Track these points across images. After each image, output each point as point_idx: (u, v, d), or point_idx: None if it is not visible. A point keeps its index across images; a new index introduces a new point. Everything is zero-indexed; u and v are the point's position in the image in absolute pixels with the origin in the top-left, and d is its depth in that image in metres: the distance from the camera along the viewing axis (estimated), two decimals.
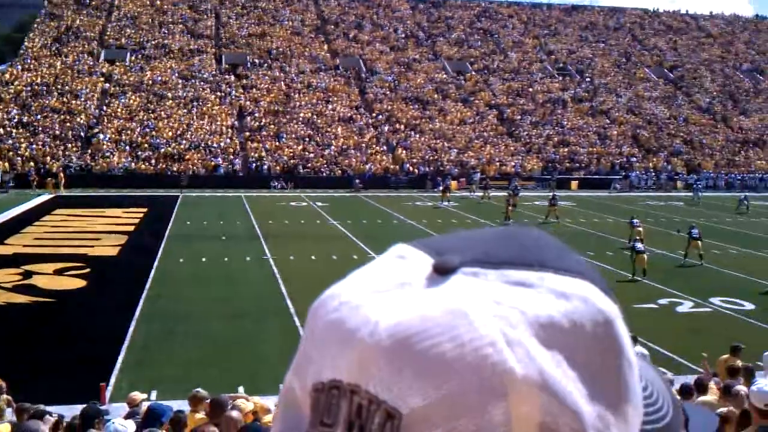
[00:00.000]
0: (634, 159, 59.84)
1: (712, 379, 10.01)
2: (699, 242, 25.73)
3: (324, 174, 52.73)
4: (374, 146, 57.00)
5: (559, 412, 0.50)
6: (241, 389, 11.96)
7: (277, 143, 55.17)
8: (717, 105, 72.63)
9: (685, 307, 19.85)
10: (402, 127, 60.34)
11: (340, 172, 52.94)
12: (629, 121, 66.43)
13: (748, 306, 19.88)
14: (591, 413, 0.51)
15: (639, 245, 23.84)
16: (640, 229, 27.88)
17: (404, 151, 56.46)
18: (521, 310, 0.51)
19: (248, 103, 60.59)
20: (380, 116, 61.75)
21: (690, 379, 10.95)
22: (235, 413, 7.38)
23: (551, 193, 40.16)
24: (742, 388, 8.81)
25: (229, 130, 56.31)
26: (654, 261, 24.29)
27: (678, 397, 0.59)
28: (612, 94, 71.71)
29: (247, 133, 56.25)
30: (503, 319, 0.50)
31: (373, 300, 0.53)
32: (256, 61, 68.06)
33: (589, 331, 0.52)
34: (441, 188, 44.44)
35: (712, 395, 9.34)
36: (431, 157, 56.06)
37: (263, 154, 53.57)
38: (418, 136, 59.23)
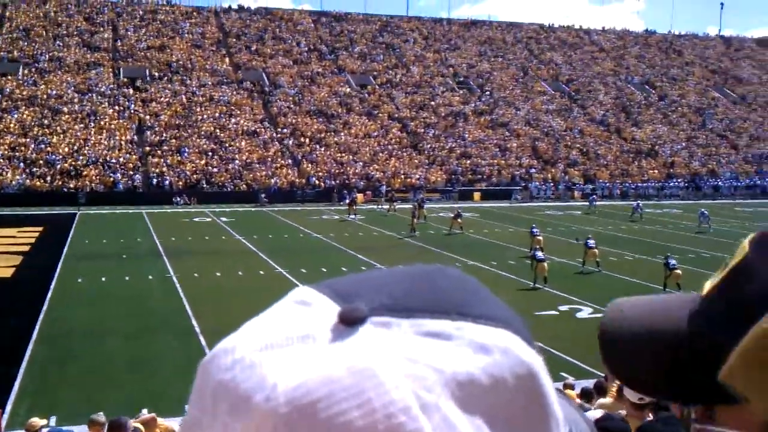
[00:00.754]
0: (533, 170, 61.56)
1: (613, 381, 10.34)
2: (596, 251, 26.69)
3: (228, 189, 52.06)
4: (279, 160, 56.69)
5: None
6: (144, 411, 11.63)
7: (179, 158, 54.14)
8: (611, 117, 75.58)
9: (585, 313, 20.49)
10: (307, 140, 60.25)
11: (244, 186, 52.39)
12: (528, 134, 68.34)
13: None
14: None
15: (539, 254, 24.54)
16: (540, 238, 28.72)
17: (310, 165, 56.37)
18: (437, 369, 0.45)
19: (148, 117, 59.27)
20: (285, 130, 61.50)
21: (591, 383, 11.31)
22: None
23: (455, 205, 40.83)
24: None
25: (129, 144, 54.92)
26: (554, 269, 25.01)
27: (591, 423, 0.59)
28: (511, 107, 73.64)
29: (148, 148, 54.99)
30: (417, 379, 0.45)
31: (271, 357, 0.46)
32: (156, 74, 66.71)
33: (511, 386, 0.47)
34: (347, 201, 44.60)
35: (610, 397, 9.65)
36: (337, 171, 56.17)
37: (165, 169, 52.46)
38: (323, 149, 59.25)
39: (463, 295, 0.51)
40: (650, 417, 6.51)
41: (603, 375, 11.33)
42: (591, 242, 27.11)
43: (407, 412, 0.43)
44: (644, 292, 22.74)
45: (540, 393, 0.49)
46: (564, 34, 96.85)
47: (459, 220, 36.55)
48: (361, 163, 57.78)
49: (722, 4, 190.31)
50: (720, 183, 63.95)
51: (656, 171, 65.39)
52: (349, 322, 0.47)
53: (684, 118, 78.62)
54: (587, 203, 50.21)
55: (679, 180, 63.51)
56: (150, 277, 24.70)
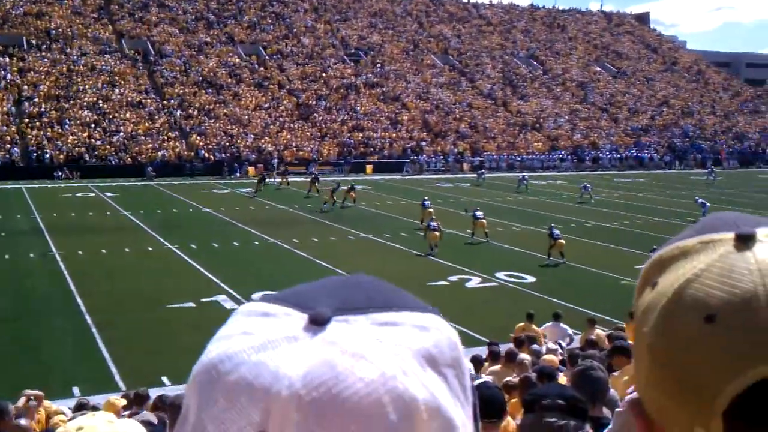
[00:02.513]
0: (424, 143, 62.36)
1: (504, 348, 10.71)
2: (484, 221, 27.42)
3: (113, 162, 50.35)
4: (167, 132, 55.19)
5: (450, 429, 0.57)
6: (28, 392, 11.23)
7: (60, 130, 51.88)
8: (498, 90, 77.26)
9: (474, 282, 21.08)
10: (195, 112, 58.86)
11: (130, 160, 50.80)
12: (418, 107, 69.05)
13: (530, 279, 21.48)
14: (467, 426, 0.59)
15: (433, 224, 25.10)
16: (431, 210, 29.24)
17: (199, 138, 55.14)
18: (403, 345, 0.57)
19: (26, 87, 56.39)
20: (172, 101, 59.84)
21: (482, 351, 11.71)
22: (23, 421, 6.96)
23: (347, 178, 40.87)
24: (525, 356, 9.57)
25: (5, 116, 52.19)
26: (444, 240, 25.54)
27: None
28: (401, 80, 74.11)
29: (26, 120, 52.40)
30: (394, 354, 0.56)
31: (271, 356, 0.55)
32: (34, 42, 63.34)
33: (447, 356, 0.59)
34: (260, 179, 42.62)
35: (499, 364, 10.01)
36: (227, 143, 55.21)
37: (45, 142, 50.17)
38: (212, 121, 58.04)
39: (391, 293, 0.63)
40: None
41: (489, 341, 11.73)
42: (479, 213, 27.82)
43: (398, 377, 0.55)
44: (529, 262, 23.65)
45: (462, 360, 0.62)
46: (453, 8, 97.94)
47: (353, 193, 36.73)
48: (252, 136, 56.97)
49: None
50: (601, 155, 66.60)
51: (541, 143, 67.42)
52: (320, 322, 0.57)
53: (567, 92, 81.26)
54: (476, 175, 51.33)
55: (562, 152, 65.73)
56: (31, 255, 23.70)
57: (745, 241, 0.65)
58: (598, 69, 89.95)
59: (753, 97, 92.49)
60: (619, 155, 67.04)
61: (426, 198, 31.94)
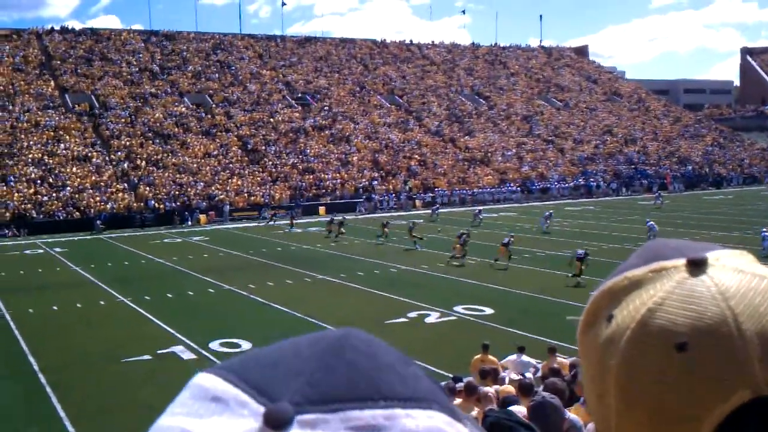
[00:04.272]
0: (375, 182, 62.64)
1: (464, 382, 10.68)
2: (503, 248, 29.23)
3: (60, 217, 49.44)
4: (115, 184, 54.52)
5: None
6: None
7: (5, 187, 50.89)
8: (445, 127, 78.20)
9: (433, 317, 21.05)
10: (143, 163, 58.30)
11: (78, 214, 49.96)
12: (368, 146, 69.47)
13: (488, 311, 21.55)
14: None
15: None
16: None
17: (148, 188, 54.56)
18: None
19: None
20: (119, 153, 59.23)
21: (442, 384, 11.63)
22: None
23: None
24: (488, 389, 9.55)
25: None
26: (401, 276, 25.53)
27: None
28: (350, 121, 74.60)
29: None
30: None
31: None
32: None
33: None
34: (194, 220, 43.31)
35: (459, 398, 9.95)
36: (177, 192, 54.72)
37: None
38: (161, 171, 57.55)
39: (381, 371, 0.49)
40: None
41: (452, 376, 11.71)
42: (505, 240, 29.82)
43: None
44: (486, 294, 23.72)
45: None
46: (396, 50, 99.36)
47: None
48: (202, 184, 56.60)
49: (541, 16, 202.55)
50: (549, 185, 67.63)
51: (490, 177, 68.23)
52: (277, 426, 0.45)
53: (513, 126, 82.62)
54: (430, 211, 51.61)
55: (511, 184, 66.58)
56: None
57: (698, 265, 0.64)
58: (542, 102, 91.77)
59: (693, 121, 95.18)
60: (566, 185, 68.18)
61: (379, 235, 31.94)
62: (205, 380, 0.49)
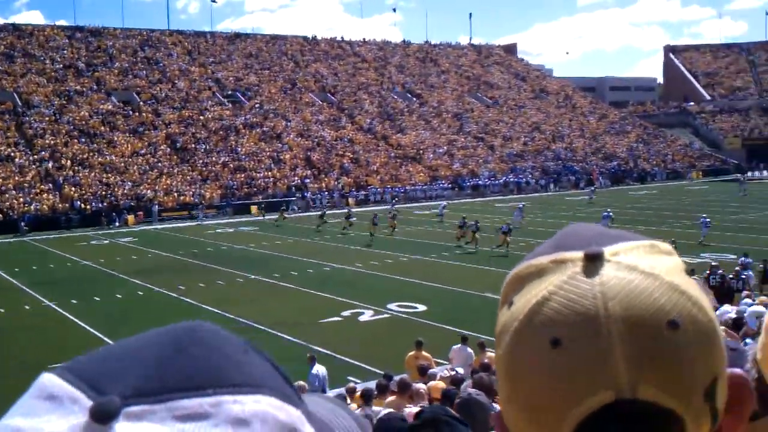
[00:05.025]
0: (308, 180, 62.38)
1: (398, 379, 10.76)
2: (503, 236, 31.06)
3: None
4: (39, 185, 52.96)
5: None
6: None
7: None
8: (377, 125, 78.39)
9: (367, 315, 21.12)
10: (68, 162, 56.78)
11: (1, 215, 48.37)
12: (300, 144, 69.13)
13: (421, 307, 21.73)
14: None
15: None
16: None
17: (73, 188, 53.15)
18: None
19: None
20: (43, 152, 57.54)
21: (373, 384, 11.71)
22: None
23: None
24: (421, 386, 9.65)
25: None
26: (334, 275, 25.54)
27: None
28: (281, 119, 74.09)
29: None
30: None
31: None
32: None
33: None
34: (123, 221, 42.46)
35: (392, 396, 10.02)
36: (104, 192, 53.47)
37: None
38: (87, 171, 56.12)
39: (218, 362, 0.49)
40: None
41: (383, 374, 11.77)
42: (504, 227, 32.02)
43: None
44: (419, 291, 23.92)
45: None
46: (327, 47, 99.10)
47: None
48: (129, 183, 55.44)
49: (471, 14, 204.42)
50: (480, 182, 68.48)
51: (422, 174, 68.69)
52: (102, 419, 0.45)
53: (444, 123, 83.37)
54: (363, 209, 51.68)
55: (442, 182, 67.17)
56: None
57: (593, 260, 0.64)
58: (472, 99, 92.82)
59: (618, 118, 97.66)
60: (497, 181, 69.14)
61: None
62: (45, 379, 0.50)
